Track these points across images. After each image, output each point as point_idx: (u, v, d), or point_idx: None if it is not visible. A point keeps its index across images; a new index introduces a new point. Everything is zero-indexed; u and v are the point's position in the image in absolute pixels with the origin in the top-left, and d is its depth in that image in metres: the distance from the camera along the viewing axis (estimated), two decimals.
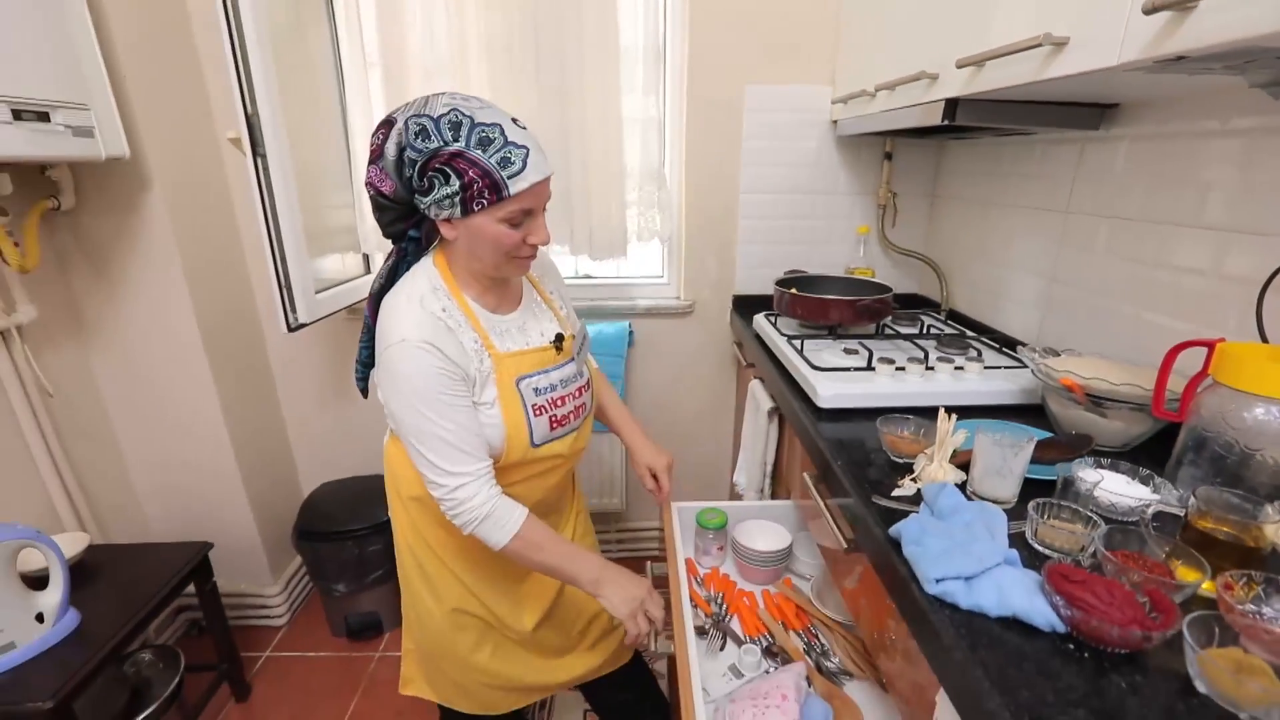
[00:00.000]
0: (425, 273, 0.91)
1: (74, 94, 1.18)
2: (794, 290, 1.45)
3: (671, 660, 0.99)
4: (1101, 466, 0.81)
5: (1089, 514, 0.71)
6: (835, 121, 1.69)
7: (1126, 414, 0.91)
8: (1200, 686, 0.53)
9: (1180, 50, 0.63)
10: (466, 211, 0.82)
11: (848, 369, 1.19)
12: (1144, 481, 0.79)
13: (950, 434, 0.87)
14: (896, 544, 0.73)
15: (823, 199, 1.78)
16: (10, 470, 1.33)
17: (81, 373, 1.51)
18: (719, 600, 1.17)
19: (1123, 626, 0.55)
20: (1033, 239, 1.35)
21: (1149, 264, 1.04)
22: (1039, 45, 0.77)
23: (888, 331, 1.44)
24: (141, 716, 1.34)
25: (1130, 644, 0.55)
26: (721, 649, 1.08)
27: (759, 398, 1.44)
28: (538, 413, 0.94)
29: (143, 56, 1.37)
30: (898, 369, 1.18)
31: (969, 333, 1.45)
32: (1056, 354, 1.07)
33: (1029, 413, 1.09)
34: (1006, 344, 1.34)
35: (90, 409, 1.53)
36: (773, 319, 1.55)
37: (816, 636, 1.11)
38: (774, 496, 1.44)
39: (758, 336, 1.57)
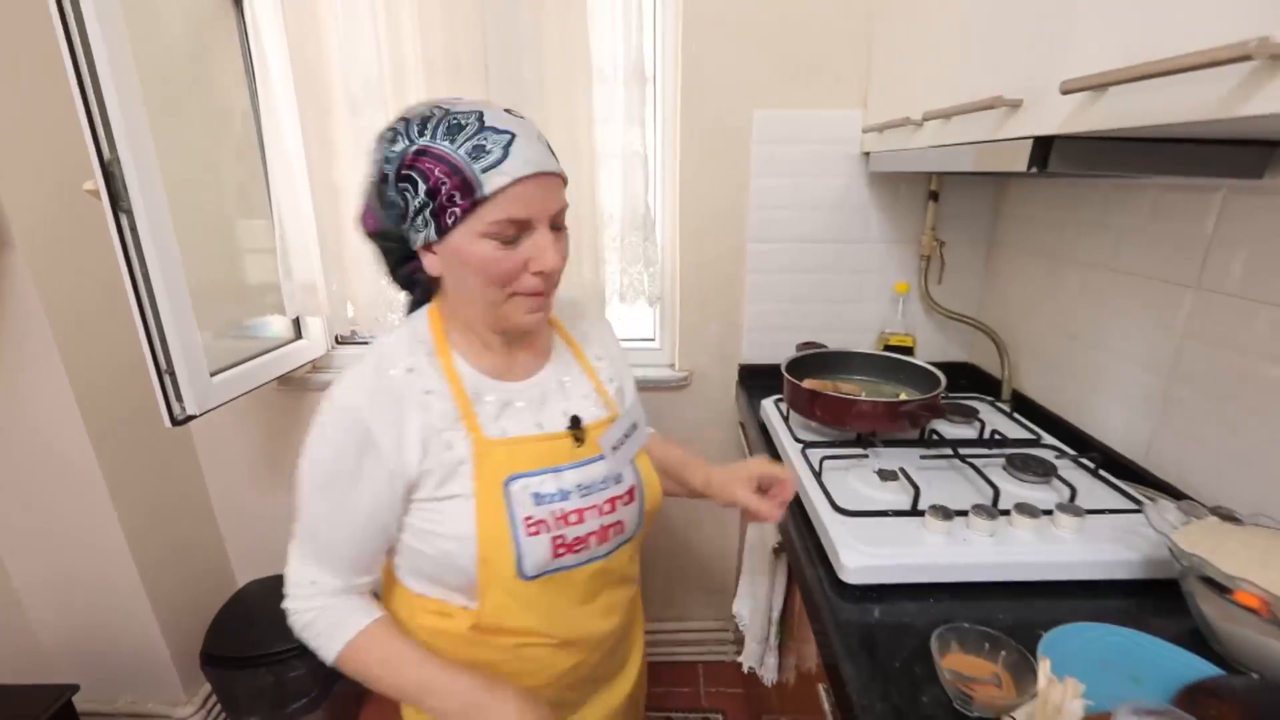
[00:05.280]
0: (413, 323, 0.72)
1: None
2: (809, 381, 1.11)
3: None
4: None
5: None
6: (867, 154, 1.36)
7: None
8: None
9: None
10: (441, 228, 0.61)
11: (885, 513, 0.84)
12: None
13: (1065, 702, 0.53)
14: None
15: (850, 248, 1.44)
16: None
17: None
18: None
19: None
20: (1139, 317, 0.99)
21: None
22: (1245, 59, 0.43)
23: (934, 437, 1.09)
24: None
25: None
26: None
27: (763, 525, 1.10)
28: (533, 530, 0.66)
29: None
30: (957, 516, 0.82)
31: (1045, 436, 1.10)
32: (1198, 514, 0.71)
33: (1154, 592, 0.74)
34: (1105, 459, 0.98)
35: None
36: (783, 410, 1.21)
37: None
38: (782, 655, 1.09)
39: (764, 428, 1.24)
